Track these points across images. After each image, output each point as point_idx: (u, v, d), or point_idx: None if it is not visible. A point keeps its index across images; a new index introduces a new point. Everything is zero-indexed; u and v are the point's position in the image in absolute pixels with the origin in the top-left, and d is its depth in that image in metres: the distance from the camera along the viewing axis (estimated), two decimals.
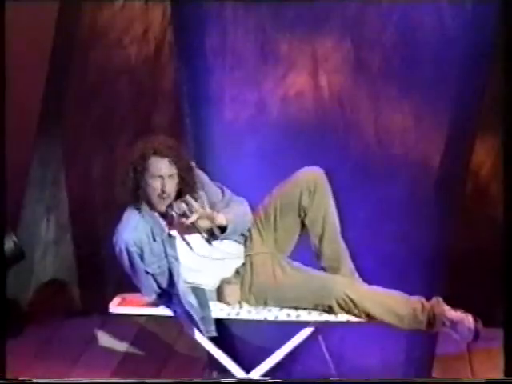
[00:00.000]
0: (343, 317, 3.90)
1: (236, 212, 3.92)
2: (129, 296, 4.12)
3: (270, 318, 3.90)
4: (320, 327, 3.96)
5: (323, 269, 4.00)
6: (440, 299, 3.91)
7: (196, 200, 3.84)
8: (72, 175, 5.45)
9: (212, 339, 3.97)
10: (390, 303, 3.87)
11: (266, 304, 3.89)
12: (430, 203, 4.53)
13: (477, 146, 4.91)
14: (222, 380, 4.00)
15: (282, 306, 3.90)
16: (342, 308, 3.85)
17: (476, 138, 4.78)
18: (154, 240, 3.86)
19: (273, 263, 3.95)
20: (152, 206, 3.86)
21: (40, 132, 5.37)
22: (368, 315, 3.85)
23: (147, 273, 3.87)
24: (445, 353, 4.70)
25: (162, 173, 3.81)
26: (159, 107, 5.37)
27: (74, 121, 5.42)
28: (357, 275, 4.03)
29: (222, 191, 4.00)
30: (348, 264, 4.02)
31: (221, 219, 3.84)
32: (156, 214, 3.86)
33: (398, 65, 4.57)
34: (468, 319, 3.86)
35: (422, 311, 3.85)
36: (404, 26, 4.54)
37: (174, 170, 3.83)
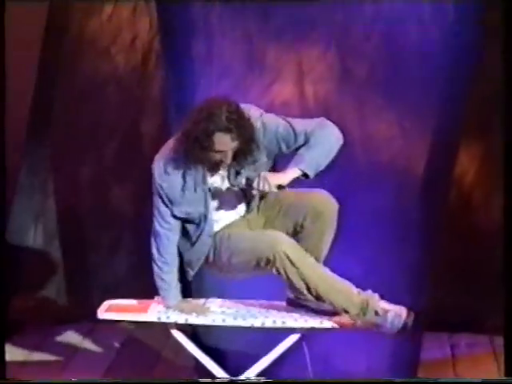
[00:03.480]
0: (328, 323, 3.85)
1: (316, 153, 3.82)
2: (116, 302, 4.07)
3: (257, 324, 3.85)
4: (306, 334, 3.90)
5: None
6: (376, 294, 3.88)
7: (253, 163, 3.81)
8: (60, 183, 5.48)
9: (198, 345, 3.94)
10: (328, 276, 3.82)
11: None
12: (414, 210, 4.52)
13: (460, 155, 4.92)
14: (222, 380, 3.94)
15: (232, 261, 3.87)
16: (279, 265, 3.78)
17: (459, 147, 4.78)
18: (195, 191, 3.84)
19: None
20: (208, 169, 3.82)
21: (28, 140, 5.40)
22: (304, 280, 3.79)
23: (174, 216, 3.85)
24: (429, 358, 4.71)
25: (226, 148, 3.75)
26: (147, 114, 5.39)
27: (63, 129, 5.45)
28: None
29: (291, 125, 3.86)
30: None
31: (288, 177, 3.77)
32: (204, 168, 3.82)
33: (382, 74, 4.58)
34: (400, 310, 3.82)
35: (358, 294, 3.82)
36: (388, 36, 4.54)
37: (236, 144, 3.76)
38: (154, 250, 3.91)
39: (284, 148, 3.86)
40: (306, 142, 3.83)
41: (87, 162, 5.44)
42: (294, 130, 3.85)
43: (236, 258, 3.85)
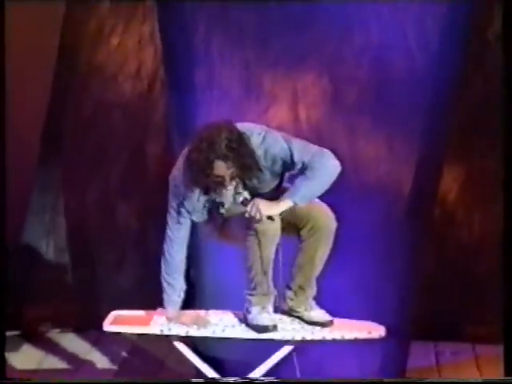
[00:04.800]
0: (319, 335, 3.91)
1: (311, 185, 3.80)
2: (122, 313, 4.11)
3: (251, 335, 3.90)
4: (299, 345, 3.94)
5: (288, 287, 3.99)
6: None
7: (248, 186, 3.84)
8: (70, 202, 5.46)
9: (199, 355, 4.02)
10: None
11: None
12: (401, 226, 4.58)
13: (444, 174, 4.95)
14: (222, 380, 3.98)
15: None
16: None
17: (443, 167, 4.83)
18: (205, 207, 3.89)
19: None
20: (213, 191, 3.86)
21: (41, 161, 5.39)
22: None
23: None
24: (415, 365, 4.73)
25: (223, 173, 3.77)
26: (151, 138, 5.38)
27: (73, 151, 5.43)
28: (313, 303, 4.02)
29: (292, 158, 3.83)
30: (308, 295, 4.00)
31: (277, 209, 3.79)
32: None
33: (371, 99, 4.65)
34: None
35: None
36: (377, 64, 4.63)
37: (232, 170, 3.79)
38: (166, 252, 3.93)
39: (284, 170, 3.87)
40: (304, 170, 3.80)
41: (95, 181, 5.43)
42: (292, 157, 3.81)
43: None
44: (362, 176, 4.64)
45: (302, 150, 3.81)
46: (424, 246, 4.71)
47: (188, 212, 3.88)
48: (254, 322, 3.92)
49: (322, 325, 3.94)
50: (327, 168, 3.82)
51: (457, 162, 5.15)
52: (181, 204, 3.87)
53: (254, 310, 3.93)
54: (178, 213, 3.88)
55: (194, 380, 4.07)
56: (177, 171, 3.88)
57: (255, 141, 3.82)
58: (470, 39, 4.75)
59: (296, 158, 3.81)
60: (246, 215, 3.80)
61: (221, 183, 3.80)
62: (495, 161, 4.98)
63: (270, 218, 3.79)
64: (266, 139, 3.84)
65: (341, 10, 4.59)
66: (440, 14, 4.61)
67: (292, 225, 3.91)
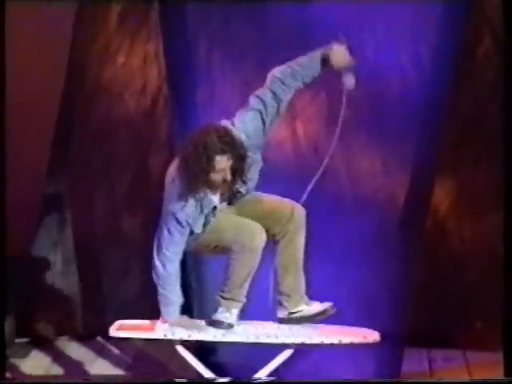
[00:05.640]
0: (318, 339, 3.97)
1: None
2: (127, 321, 4.18)
3: (252, 339, 3.98)
4: (298, 349, 4.01)
5: (279, 293, 4.06)
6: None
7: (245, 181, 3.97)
8: (77, 213, 5.48)
9: (201, 360, 4.07)
10: None
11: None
12: (395, 237, 4.66)
13: (436, 187, 5.00)
14: (222, 380, 4.03)
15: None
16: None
17: (435, 181, 4.89)
18: (202, 211, 3.98)
19: None
20: (211, 190, 3.96)
21: (49, 175, 5.40)
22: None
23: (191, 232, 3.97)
24: (409, 371, 4.75)
25: (225, 167, 3.90)
26: (155, 153, 5.39)
27: (79, 165, 5.44)
28: (307, 299, 4.08)
29: (258, 109, 4.00)
30: (301, 293, 4.07)
31: None
32: (208, 192, 3.97)
33: (366, 117, 4.74)
34: None
35: None
36: (372, 82, 4.71)
37: (231, 162, 3.92)
38: (160, 267, 3.99)
39: (264, 127, 4.00)
40: (278, 101, 3.98)
41: (101, 195, 5.45)
42: (256, 108, 3.98)
43: (213, 234, 3.95)
44: (357, 189, 4.71)
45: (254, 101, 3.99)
46: (417, 257, 4.76)
47: (188, 223, 3.96)
48: (213, 318, 4.03)
49: (325, 312, 4.01)
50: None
51: (448, 174, 5.16)
52: (181, 216, 3.94)
53: (220, 309, 4.04)
54: (180, 225, 3.95)
55: (194, 380, 4.12)
56: (170, 186, 3.95)
57: (235, 132, 3.96)
58: (461, 55, 4.81)
59: (256, 107, 3.98)
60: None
61: (222, 180, 3.90)
62: (485, 173, 5.05)
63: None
64: (235, 123, 3.99)
65: (337, 29, 4.51)
66: (431, 32, 4.68)
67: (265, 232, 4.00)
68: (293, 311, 4.06)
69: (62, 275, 5.49)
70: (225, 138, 3.91)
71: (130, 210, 5.44)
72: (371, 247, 4.65)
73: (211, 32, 4.83)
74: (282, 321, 4.09)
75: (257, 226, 3.98)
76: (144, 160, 5.40)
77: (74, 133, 5.40)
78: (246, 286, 4.01)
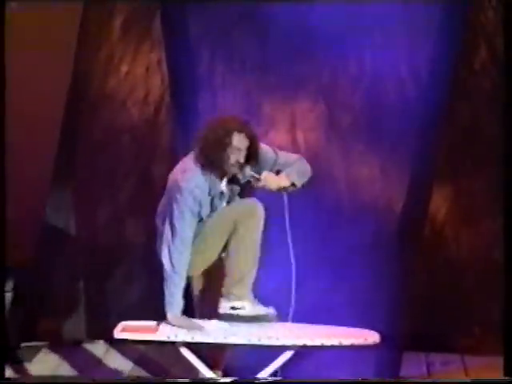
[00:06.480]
0: (319, 341, 3.99)
1: (298, 169, 4.08)
2: (130, 323, 4.21)
3: (254, 341, 3.99)
4: (298, 350, 4.03)
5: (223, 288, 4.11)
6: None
7: (257, 166, 4.05)
8: (81, 220, 5.49)
9: (203, 361, 4.08)
10: None
11: None
12: (393, 243, 4.71)
13: (434, 194, 5.02)
14: (222, 380, 4.04)
15: None
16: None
17: (433, 187, 4.93)
18: (209, 195, 4.05)
19: None
20: (223, 171, 4.03)
21: (54, 183, 5.42)
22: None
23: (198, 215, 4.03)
24: (407, 375, 4.78)
25: (242, 146, 3.99)
26: (158, 160, 5.40)
27: (84, 173, 5.46)
28: (253, 299, 4.10)
29: (276, 153, 4.13)
30: (248, 289, 4.10)
31: (285, 182, 4.04)
32: (216, 175, 4.03)
33: (365, 124, 4.79)
34: None
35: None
36: (370, 92, 4.78)
37: (247, 143, 4.01)
38: (168, 263, 4.04)
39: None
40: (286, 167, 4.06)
41: (105, 202, 5.45)
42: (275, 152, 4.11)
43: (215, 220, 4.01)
44: (356, 196, 4.75)
45: (285, 156, 4.12)
46: (415, 262, 4.80)
47: (199, 203, 4.00)
48: (223, 311, 4.07)
49: (265, 318, 4.04)
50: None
51: (446, 182, 5.17)
52: (195, 191, 3.99)
53: (229, 302, 4.08)
54: (193, 199, 3.99)
55: (196, 380, 4.12)
56: (184, 175, 4.01)
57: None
58: (458, 67, 4.86)
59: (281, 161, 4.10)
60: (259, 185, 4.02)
61: (236, 162, 3.97)
62: (482, 180, 5.07)
63: (293, 184, 4.01)
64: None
65: (337, 40, 4.73)
66: (429, 42, 4.74)
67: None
68: (235, 307, 4.07)
69: (66, 281, 5.49)
70: (244, 121, 4.00)
71: (134, 216, 5.45)
72: (370, 253, 4.69)
73: (213, 42, 4.89)
74: (221, 317, 4.10)
75: (253, 200, 4.05)
76: (147, 167, 5.43)
77: (78, 140, 5.44)
78: (254, 271, 4.02)
